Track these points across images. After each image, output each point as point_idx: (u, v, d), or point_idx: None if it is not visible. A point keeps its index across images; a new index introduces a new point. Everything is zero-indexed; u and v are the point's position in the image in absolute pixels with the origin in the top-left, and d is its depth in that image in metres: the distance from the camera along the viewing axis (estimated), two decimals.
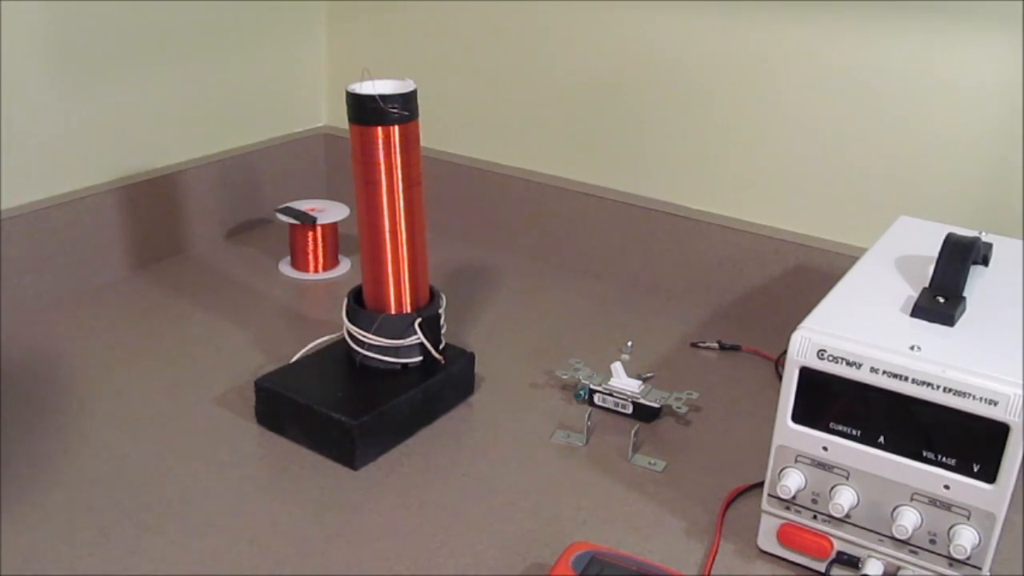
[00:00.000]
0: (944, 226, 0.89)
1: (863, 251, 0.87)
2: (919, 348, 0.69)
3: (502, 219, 1.35)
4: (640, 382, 0.98)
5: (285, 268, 1.29)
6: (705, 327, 1.17)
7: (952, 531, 0.69)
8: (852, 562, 0.74)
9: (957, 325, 0.73)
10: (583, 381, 0.99)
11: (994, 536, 0.68)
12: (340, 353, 0.98)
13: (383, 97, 0.88)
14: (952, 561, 0.70)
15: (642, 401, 0.96)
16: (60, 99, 1.14)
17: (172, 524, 0.80)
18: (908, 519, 0.70)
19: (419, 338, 0.94)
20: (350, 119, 0.91)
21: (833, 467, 0.73)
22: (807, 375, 0.72)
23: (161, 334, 1.10)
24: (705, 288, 1.20)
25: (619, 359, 1.04)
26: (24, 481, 0.84)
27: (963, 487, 0.68)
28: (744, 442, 0.93)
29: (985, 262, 0.83)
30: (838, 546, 0.75)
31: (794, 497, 0.75)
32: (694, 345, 1.12)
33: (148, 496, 0.83)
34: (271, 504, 0.83)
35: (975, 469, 0.67)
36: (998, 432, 0.65)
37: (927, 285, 0.76)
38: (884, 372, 0.68)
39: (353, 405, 0.89)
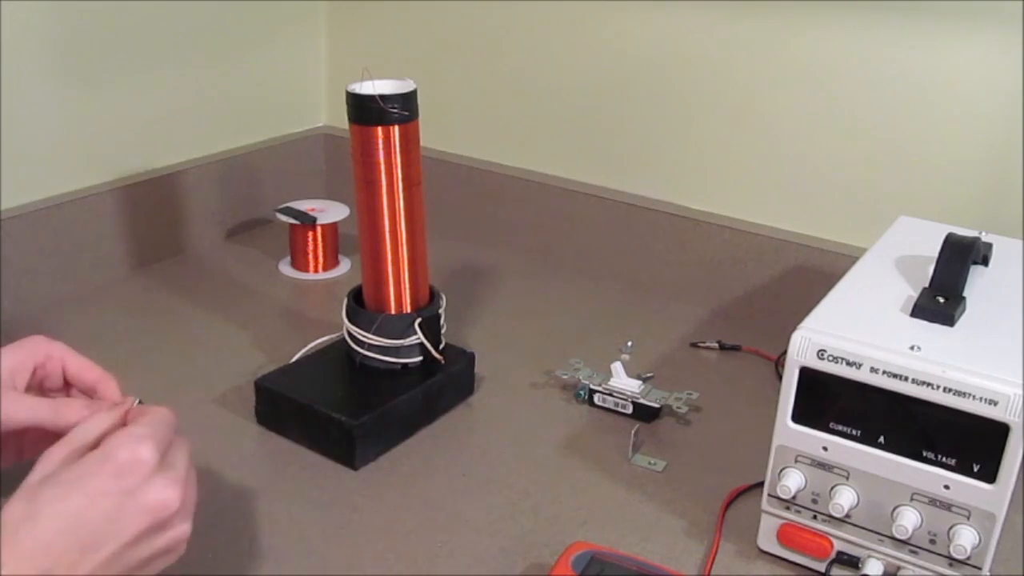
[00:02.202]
0: (944, 226, 0.88)
1: (863, 251, 0.87)
2: (919, 348, 0.69)
3: (502, 219, 1.35)
4: (640, 382, 0.98)
5: (285, 268, 1.29)
6: (705, 327, 1.16)
7: (952, 531, 0.69)
8: (852, 562, 0.74)
9: (957, 325, 0.73)
10: (583, 381, 0.99)
11: (994, 536, 0.68)
12: (340, 353, 0.98)
13: (383, 97, 0.88)
14: (952, 561, 0.70)
15: (642, 401, 0.96)
16: (60, 99, 1.14)
17: None
18: (908, 519, 0.70)
19: (419, 338, 0.94)
20: (350, 119, 0.91)
21: (833, 467, 0.73)
22: (807, 375, 0.72)
23: (161, 334, 1.10)
24: (705, 288, 1.20)
25: (619, 359, 1.04)
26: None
27: (963, 487, 0.68)
28: (744, 442, 0.93)
29: (985, 262, 0.83)
30: (838, 546, 0.75)
31: (794, 497, 0.75)
32: (694, 345, 1.12)
33: None
34: (271, 504, 0.83)
35: (975, 469, 0.67)
36: (998, 432, 0.65)
37: (927, 285, 0.76)
38: (884, 372, 0.68)
39: (353, 405, 0.89)
